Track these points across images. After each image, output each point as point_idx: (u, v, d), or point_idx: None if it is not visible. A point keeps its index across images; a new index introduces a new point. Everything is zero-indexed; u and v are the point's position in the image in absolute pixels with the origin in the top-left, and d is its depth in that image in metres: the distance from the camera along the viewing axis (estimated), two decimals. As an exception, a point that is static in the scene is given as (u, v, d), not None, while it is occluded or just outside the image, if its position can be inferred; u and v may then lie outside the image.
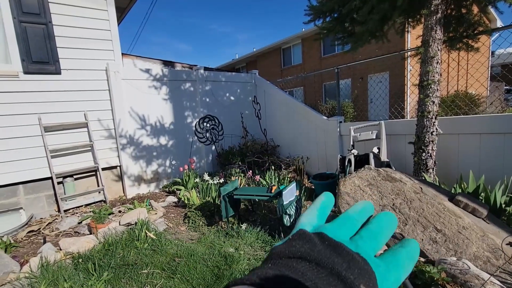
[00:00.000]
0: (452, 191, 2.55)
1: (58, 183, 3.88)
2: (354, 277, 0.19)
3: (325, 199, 0.27)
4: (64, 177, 3.97)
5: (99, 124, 4.23)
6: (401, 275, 0.22)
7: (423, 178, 2.75)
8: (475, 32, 3.09)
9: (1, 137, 3.50)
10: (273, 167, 4.62)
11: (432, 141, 2.83)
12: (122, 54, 4.56)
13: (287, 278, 0.18)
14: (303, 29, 14.71)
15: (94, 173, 4.29)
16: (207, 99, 5.33)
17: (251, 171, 4.35)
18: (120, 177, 4.52)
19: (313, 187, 4.13)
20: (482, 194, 2.38)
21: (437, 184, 2.73)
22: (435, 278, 1.53)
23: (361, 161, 3.35)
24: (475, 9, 3.11)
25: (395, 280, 0.21)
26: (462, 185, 2.60)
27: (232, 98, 5.71)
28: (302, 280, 0.18)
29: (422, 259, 1.84)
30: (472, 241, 1.79)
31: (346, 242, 0.22)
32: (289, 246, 0.22)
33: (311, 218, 0.25)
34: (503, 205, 2.27)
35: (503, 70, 3.73)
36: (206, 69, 5.52)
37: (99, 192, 4.22)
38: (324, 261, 0.20)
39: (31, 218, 3.69)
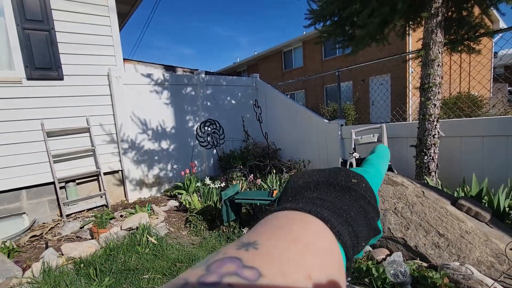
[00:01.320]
0: (455, 195, 2.53)
1: (61, 188, 3.90)
2: (350, 178, 0.27)
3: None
4: (67, 182, 3.99)
5: (101, 129, 4.26)
6: (380, 170, 0.32)
7: (425, 181, 2.73)
8: (477, 34, 3.08)
9: (4, 143, 3.53)
10: (274, 171, 4.61)
11: (434, 144, 2.81)
12: (124, 59, 4.59)
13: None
14: (304, 32, 14.76)
15: (96, 177, 4.30)
16: (208, 103, 5.35)
17: (252, 175, 4.35)
18: (122, 182, 4.53)
19: (315, 191, 4.10)
20: (485, 197, 2.36)
21: (440, 187, 2.71)
22: (438, 284, 1.51)
23: (363, 164, 3.33)
24: (476, 11, 3.10)
25: (376, 173, 0.31)
26: (465, 189, 2.58)
27: (233, 101, 5.73)
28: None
29: (425, 264, 1.82)
30: (475, 246, 1.77)
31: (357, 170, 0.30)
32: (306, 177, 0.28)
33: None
34: (507, 209, 2.25)
35: (506, 72, 3.71)
36: (207, 73, 5.54)
37: (101, 197, 4.23)
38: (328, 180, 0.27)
39: (34, 223, 3.70)
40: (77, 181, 4.10)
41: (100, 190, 4.28)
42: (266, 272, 0.16)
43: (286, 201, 0.25)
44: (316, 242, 0.19)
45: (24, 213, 3.72)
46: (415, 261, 1.87)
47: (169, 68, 5.49)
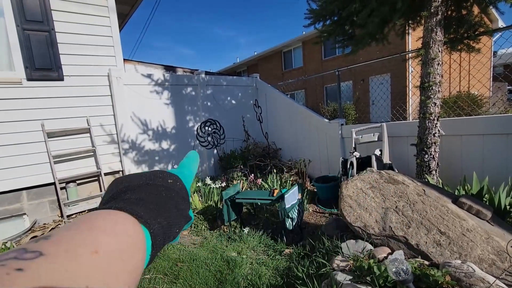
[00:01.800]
0: (456, 193, 2.53)
1: (61, 188, 3.90)
2: (167, 179, 0.32)
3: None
4: (67, 182, 3.99)
5: (101, 129, 4.26)
6: (191, 171, 0.38)
7: (426, 180, 2.73)
8: (476, 33, 3.08)
9: (4, 144, 3.53)
10: (275, 170, 4.61)
11: (435, 143, 2.81)
12: (124, 59, 4.59)
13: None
14: (304, 32, 14.78)
15: (96, 178, 4.30)
16: (209, 103, 5.35)
17: (253, 175, 4.35)
18: (123, 182, 4.53)
19: (316, 190, 4.11)
20: (486, 195, 2.36)
21: (440, 186, 2.71)
22: (440, 282, 1.51)
23: (363, 163, 3.33)
24: (476, 10, 3.11)
25: (189, 173, 0.37)
26: (466, 187, 2.58)
27: (233, 102, 5.73)
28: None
29: (427, 262, 1.82)
30: (477, 244, 1.77)
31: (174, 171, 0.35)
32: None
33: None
34: (508, 207, 2.25)
35: (505, 70, 3.71)
36: (207, 73, 5.54)
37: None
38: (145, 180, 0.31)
39: (35, 223, 3.70)
40: (77, 182, 4.10)
41: (101, 191, 4.28)
42: (47, 251, 0.17)
43: (102, 204, 0.28)
44: (114, 227, 0.22)
45: (25, 214, 3.72)
46: (417, 259, 1.87)
47: (169, 68, 5.49)
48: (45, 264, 0.16)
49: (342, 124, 4.28)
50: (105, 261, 0.19)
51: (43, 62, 3.72)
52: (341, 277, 1.73)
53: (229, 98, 5.67)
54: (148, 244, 0.24)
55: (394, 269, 1.39)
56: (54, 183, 3.82)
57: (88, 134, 4.14)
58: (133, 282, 0.22)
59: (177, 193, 0.31)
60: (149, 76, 4.69)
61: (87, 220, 0.22)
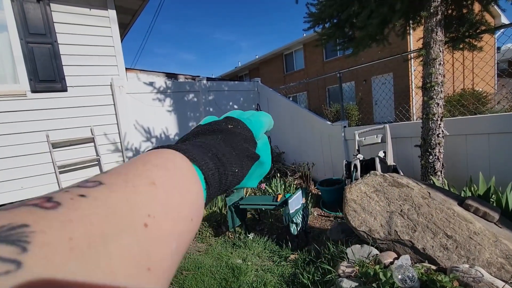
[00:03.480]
0: (462, 195, 2.49)
1: (67, 198, 3.93)
2: (227, 125, 0.31)
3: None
4: (73, 192, 4.02)
5: (105, 138, 4.29)
6: (260, 120, 0.35)
7: (431, 181, 2.70)
8: (478, 31, 3.05)
9: (10, 155, 3.57)
10: (278, 174, 4.60)
11: (439, 144, 2.78)
12: (126, 68, 4.64)
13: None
14: (305, 35, 14.78)
15: (101, 186, 4.33)
16: (211, 109, 5.37)
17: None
18: (127, 190, 4.55)
19: (320, 193, 4.09)
20: (493, 196, 2.32)
21: (446, 187, 2.67)
22: (447, 287, 1.48)
23: (367, 165, 3.31)
24: (477, 8, 3.08)
25: (255, 120, 0.34)
26: (472, 188, 2.54)
27: (235, 106, 5.74)
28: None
29: (434, 267, 1.79)
30: (485, 247, 1.74)
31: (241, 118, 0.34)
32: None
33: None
34: (516, 208, 2.21)
35: (510, 67, 3.67)
36: (208, 79, 5.57)
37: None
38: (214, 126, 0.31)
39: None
40: (83, 191, 4.13)
41: (105, 199, 4.30)
42: (107, 181, 0.18)
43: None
44: (166, 163, 0.22)
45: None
46: (423, 264, 1.84)
47: (171, 76, 5.53)
48: (106, 192, 0.17)
49: (345, 126, 4.26)
50: (163, 192, 0.19)
51: (46, 74, 3.77)
52: (346, 284, 1.71)
53: (231, 103, 5.69)
54: (201, 178, 0.24)
55: (400, 276, 1.37)
56: (59, 193, 3.85)
57: (92, 144, 4.17)
58: (195, 215, 0.22)
59: (235, 134, 0.31)
60: (151, 84, 4.72)
61: (140, 158, 0.22)
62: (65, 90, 3.92)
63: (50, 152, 3.78)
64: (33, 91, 3.69)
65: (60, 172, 3.85)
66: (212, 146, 0.27)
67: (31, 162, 3.70)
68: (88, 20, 4.07)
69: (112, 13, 4.27)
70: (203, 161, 0.24)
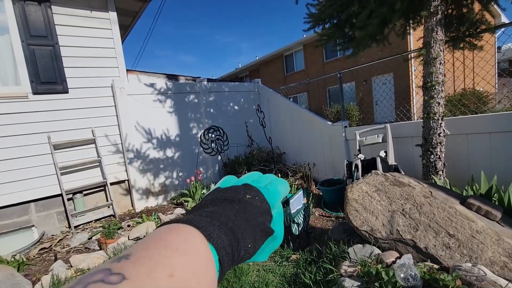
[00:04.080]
0: (464, 194, 2.48)
1: (68, 199, 3.94)
2: (245, 194, 0.31)
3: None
4: (74, 193, 4.03)
5: (106, 140, 4.30)
6: (277, 189, 0.35)
7: (433, 181, 2.69)
8: (478, 30, 3.05)
9: (12, 157, 3.59)
10: (279, 175, 4.59)
11: (440, 143, 2.78)
12: (127, 70, 4.65)
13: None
14: (304, 35, 14.80)
15: (103, 188, 4.34)
16: (211, 110, 5.37)
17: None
18: (128, 191, 4.56)
19: (321, 194, 4.08)
20: (495, 195, 2.31)
21: (448, 186, 2.67)
22: (450, 286, 1.48)
23: (369, 165, 3.30)
24: (477, 7, 3.08)
25: (273, 190, 0.34)
26: (474, 187, 2.53)
27: (236, 107, 5.75)
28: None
29: (436, 266, 1.78)
30: (487, 246, 1.73)
31: (258, 187, 0.33)
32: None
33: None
34: (518, 206, 2.20)
35: (510, 67, 3.66)
36: (209, 80, 5.58)
37: (108, 207, 4.26)
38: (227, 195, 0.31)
39: (43, 235, 3.74)
40: (84, 192, 4.14)
41: (107, 201, 4.31)
42: (131, 275, 0.18)
43: (187, 213, 0.29)
44: (184, 245, 0.22)
45: (33, 225, 3.76)
46: (426, 263, 1.83)
47: (172, 77, 5.54)
48: None
49: (345, 126, 4.25)
50: (180, 284, 0.19)
51: (48, 76, 3.78)
52: (348, 283, 1.70)
53: (231, 104, 5.69)
54: (215, 259, 0.24)
55: (402, 275, 1.37)
56: (61, 195, 3.86)
57: (93, 145, 4.18)
58: None
59: (252, 205, 0.30)
60: (152, 85, 4.74)
61: (162, 236, 0.23)
62: (66, 92, 3.93)
63: (51, 153, 3.79)
64: (35, 93, 3.71)
65: (62, 174, 3.86)
66: (228, 219, 0.27)
67: (32, 164, 3.71)
68: (89, 22, 4.09)
69: (113, 15, 4.29)
70: (219, 240, 0.24)
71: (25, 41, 3.63)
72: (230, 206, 0.29)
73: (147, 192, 4.65)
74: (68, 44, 3.94)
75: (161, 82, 4.99)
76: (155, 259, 0.20)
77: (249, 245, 0.28)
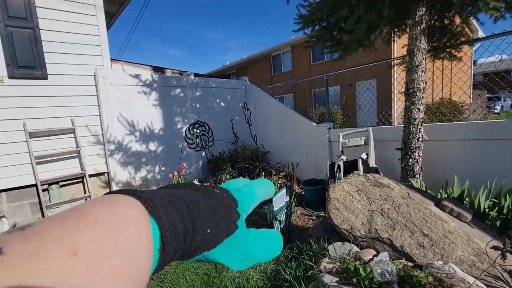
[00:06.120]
0: (438, 196, 2.61)
1: (43, 190, 3.78)
2: (213, 188, 0.28)
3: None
4: (50, 184, 3.86)
5: (86, 130, 4.16)
6: (253, 191, 0.32)
7: (410, 183, 2.81)
8: (458, 42, 3.21)
9: (-17, 143, 3.39)
10: (263, 173, 4.62)
11: (418, 147, 2.90)
12: (111, 59, 4.51)
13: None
14: (293, 37, 14.94)
15: (81, 180, 4.19)
16: (198, 105, 5.32)
17: (241, 177, 4.34)
18: (108, 184, 4.43)
19: (303, 193, 4.15)
20: (467, 199, 2.45)
21: (424, 189, 2.79)
22: (423, 282, 1.56)
23: (350, 167, 3.39)
24: (458, 20, 3.24)
25: (246, 192, 0.31)
26: (448, 190, 2.66)
27: (222, 104, 5.72)
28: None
29: (410, 264, 1.87)
30: (458, 245, 1.84)
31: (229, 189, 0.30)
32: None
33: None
34: (487, 210, 2.34)
35: (485, 78, 3.88)
36: (196, 75, 5.52)
37: (86, 199, 4.12)
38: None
39: (14, 226, 3.55)
40: (60, 184, 3.98)
41: (85, 193, 4.17)
42: (11, 251, 0.14)
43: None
44: (109, 218, 0.18)
45: (4, 216, 3.57)
46: (401, 261, 1.91)
47: (158, 69, 5.43)
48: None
49: (330, 128, 4.34)
50: (85, 265, 0.15)
51: (26, 60, 3.60)
52: (328, 279, 1.75)
53: (218, 101, 5.66)
54: (155, 241, 0.19)
55: (379, 270, 1.42)
56: (35, 185, 3.69)
57: (72, 135, 4.03)
58: None
59: (218, 196, 0.27)
60: (137, 76, 4.62)
61: (81, 208, 0.18)
62: (46, 78, 3.76)
63: (26, 141, 3.61)
64: (11, 77, 3.52)
65: (37, 163, 3.69)
66: (185, 196, 0.23)
67: (5, 152, 3.53)
68: (73, 6, 3.93)
69: (99, 1, 4.15)
70: (165, 214, 0.20)
71: (2, 22, 3.43)
72: (192, 189, 0.26)
73: (127, 186, 4.54)
74: (49, 28, 3.77)
75: (146, 74, 4.87)
76: (55, 233, 0.15)
77: (208, 230, 0.24)
